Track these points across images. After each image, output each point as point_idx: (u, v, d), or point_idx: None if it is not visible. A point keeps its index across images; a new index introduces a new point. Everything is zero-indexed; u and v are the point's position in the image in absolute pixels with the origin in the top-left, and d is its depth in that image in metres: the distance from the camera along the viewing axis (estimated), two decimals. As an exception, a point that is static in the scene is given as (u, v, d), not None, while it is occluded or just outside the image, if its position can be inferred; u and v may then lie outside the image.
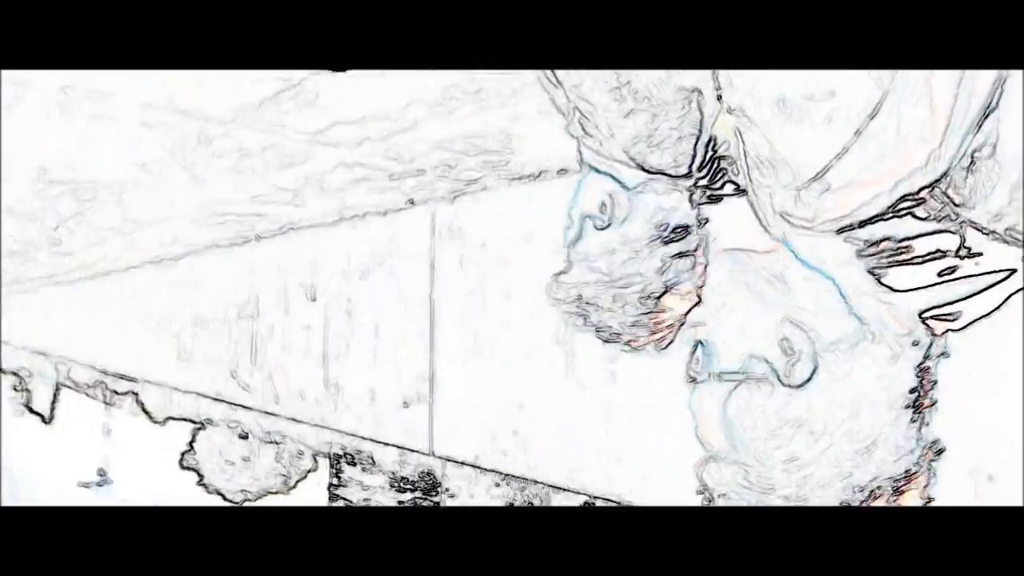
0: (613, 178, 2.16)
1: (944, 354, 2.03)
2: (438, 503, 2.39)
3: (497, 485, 2.37)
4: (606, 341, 2.20)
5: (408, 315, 2.35)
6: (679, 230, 2.14)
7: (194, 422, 2.69)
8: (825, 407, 2.07)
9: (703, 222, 2.14)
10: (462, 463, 2.37)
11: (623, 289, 2.16)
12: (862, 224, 1.98)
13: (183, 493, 2.61)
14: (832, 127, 1.92)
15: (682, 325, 2.17)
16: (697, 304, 2.15)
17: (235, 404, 2.59)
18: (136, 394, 2.70)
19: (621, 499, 2.27)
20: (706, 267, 2.16)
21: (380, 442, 2.44)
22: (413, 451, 2.44)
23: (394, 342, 2.35)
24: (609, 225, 2.17)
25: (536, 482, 2.33)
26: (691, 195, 2.12)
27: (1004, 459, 1.83)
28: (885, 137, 1.90)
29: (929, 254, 1.97)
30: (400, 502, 2.45)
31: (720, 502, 2.15)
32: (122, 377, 2.69)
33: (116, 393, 2.68)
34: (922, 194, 1.92)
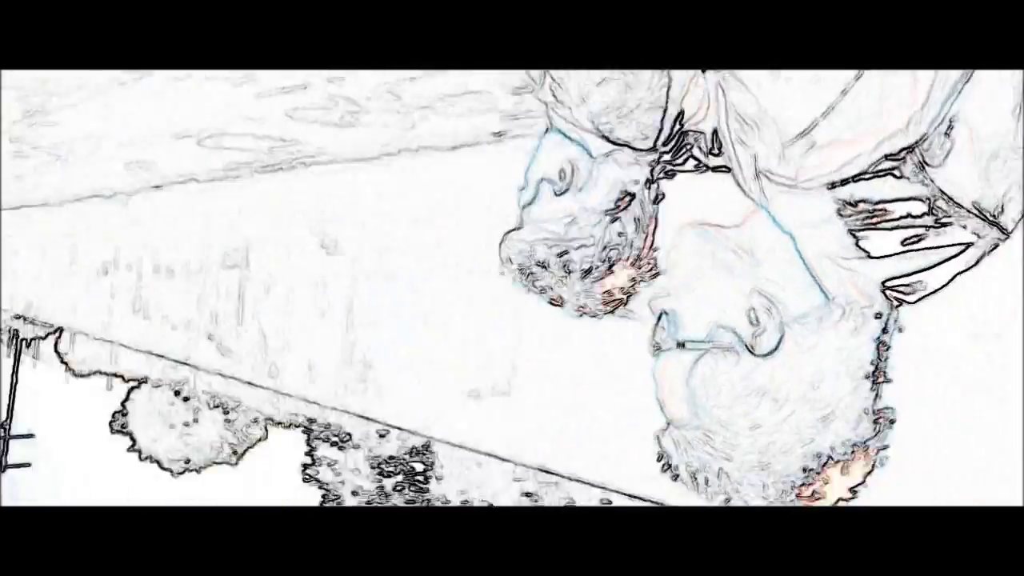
0: (580, 145, 2.16)
1: (900, 328, 2.03)
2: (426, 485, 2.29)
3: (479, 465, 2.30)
4: (551, 304, 2.18)
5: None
6: (626, 197, 2.13)
7: (122, 378, 2.55)
8: (788, 376, 2.06)
9: (660, 197, 2.14)
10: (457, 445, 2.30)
11: (570, 256, 2.15)
12: (844, 182, 1.99)
13: (112, 459, 2.47)
14: (819, 86, 1.95)
15: (630, 296, 2.17)
16: (652, 274, 2.16)
17: (201, 369, 2.44)
18: (43, 338, 2.52)
19: (579, 473, 2.23)
20: (653, 245, 2.16)
21: (372, 419, 2.32)
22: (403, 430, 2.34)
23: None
24: (567, 191, 2.16)
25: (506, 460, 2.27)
26: (651, 169, 2.12)
27: (1001, 459, 1.83)
28: (869, 98, 1.92)
29: (901, 217, 1.99)
30: (381, 487, 2.34)
31: (682, 469, 2.12)
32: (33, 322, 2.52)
33: (25, 341, 2.52)
34: (902, 155, 1.94)
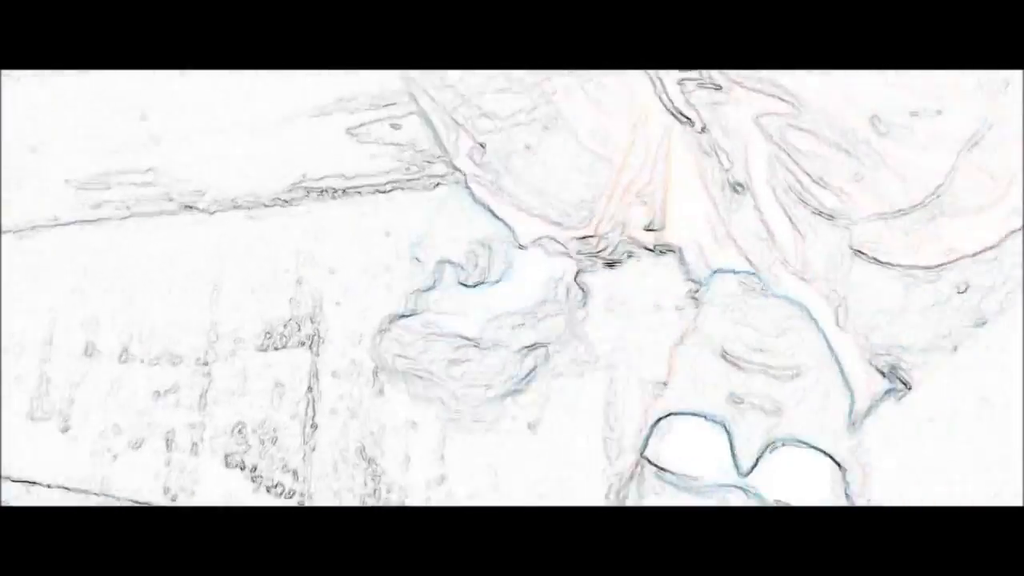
0: (506, 226, 1.81)
1: None
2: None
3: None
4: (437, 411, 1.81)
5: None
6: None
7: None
8: None
9: (583, 295, 1.81)
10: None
11: (478, 363, 1.79)
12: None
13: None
14: (935, 147, 1.72)
15: None
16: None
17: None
18: None
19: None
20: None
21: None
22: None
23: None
24: (481, 283, 1.80)
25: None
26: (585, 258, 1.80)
27: (1001, 459, 1.79)
28: (993, 157, 1.72)
29: None
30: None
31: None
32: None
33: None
34: None
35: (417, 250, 1.81)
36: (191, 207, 1.86)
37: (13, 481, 1.83)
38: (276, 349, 1.82)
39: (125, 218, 1.88)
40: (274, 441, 1.81)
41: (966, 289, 1.74)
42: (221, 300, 1.81)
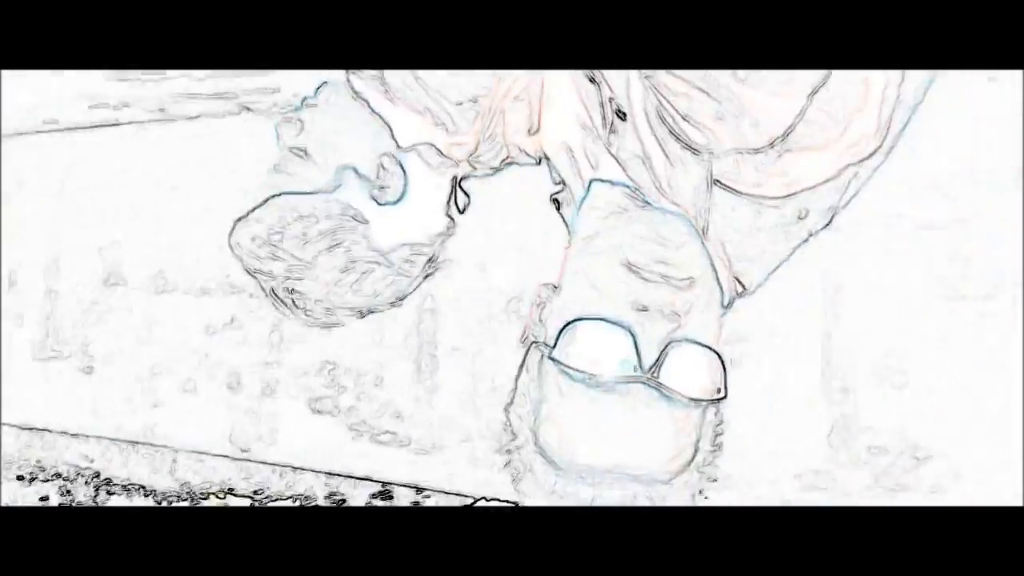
0: (389, 130, 1.70)
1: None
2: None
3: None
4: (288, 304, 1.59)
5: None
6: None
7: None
8: None
9: (465, 206, 1.73)
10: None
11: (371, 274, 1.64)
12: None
13: None
14: (785, 93, 1.72)
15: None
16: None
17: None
18: None
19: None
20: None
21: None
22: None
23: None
24: (391, 202, 1.67)
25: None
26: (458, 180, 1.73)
27: (1001, 459, 1.78)
28: (834, 101, 1.75)
29: None
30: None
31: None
32: None
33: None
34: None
35: (283, 129, 1.58)
36: (248, 108, 1.57)
37: (21, 429, 1.49)
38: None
39: (156, 121, 1.56)
40: (377, 383, 1.58)
41: (806, 215, 1.83)
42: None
